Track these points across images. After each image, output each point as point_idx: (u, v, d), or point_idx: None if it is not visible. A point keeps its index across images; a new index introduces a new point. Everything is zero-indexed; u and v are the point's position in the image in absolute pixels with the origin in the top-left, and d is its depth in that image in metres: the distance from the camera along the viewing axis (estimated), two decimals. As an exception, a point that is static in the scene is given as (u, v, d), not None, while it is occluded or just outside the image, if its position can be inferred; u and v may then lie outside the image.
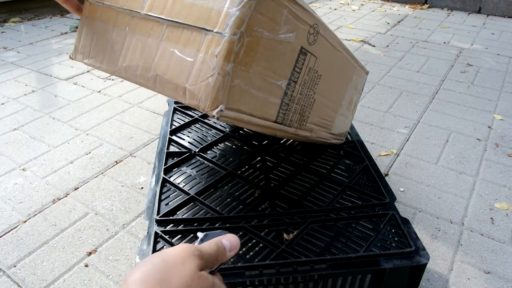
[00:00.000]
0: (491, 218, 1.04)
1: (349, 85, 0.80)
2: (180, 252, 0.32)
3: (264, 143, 0.92)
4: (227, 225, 0.67)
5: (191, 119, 1.01)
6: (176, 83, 0.51)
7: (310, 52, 0.60)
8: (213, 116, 0.47)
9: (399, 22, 2.80)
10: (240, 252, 0.62)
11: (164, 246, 0.63)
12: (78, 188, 1.15)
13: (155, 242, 0.63)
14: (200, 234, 0.38)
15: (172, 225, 0.67)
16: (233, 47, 0.47)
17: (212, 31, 0.47)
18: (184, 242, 0.60)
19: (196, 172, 0.81)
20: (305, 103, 0.66)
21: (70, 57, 0.64)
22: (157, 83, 0.53)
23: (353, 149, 0.90)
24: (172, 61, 0.51)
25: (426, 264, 0.61)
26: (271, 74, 0.54)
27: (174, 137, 0.93)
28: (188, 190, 0.76)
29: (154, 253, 0.33)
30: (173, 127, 0.97)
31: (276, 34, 0.51)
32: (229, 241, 0.37)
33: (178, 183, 0.78)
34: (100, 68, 0.61)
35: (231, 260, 0.60)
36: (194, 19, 0.49)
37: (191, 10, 0.49)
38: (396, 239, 0.66)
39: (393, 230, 0.67)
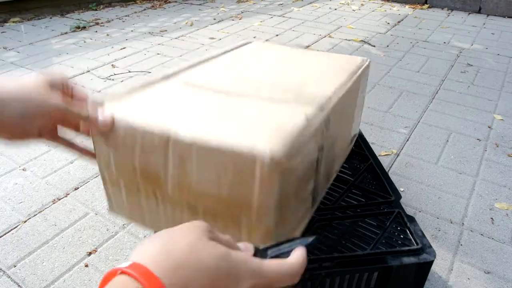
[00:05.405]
0: (491, 218, 1.04)
1: (358, 104, 0.78)
2: (186, 224, 0.30)
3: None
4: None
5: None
6: None
7: (325, 142, 0.57)
8: None
9: (399, 22, 2.80)
10: None
11: None
12: (78, 188, 1.15)
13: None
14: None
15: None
16: (273, 229, 0.47)
17: (248, 219, 0.47)
18: None
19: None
20: (328, 168, 0.65)
21: (108, 211, 0.61)
22: None
23: (357, 147, 0.90)
24: None
25: (432, 261, 0.62)
26: (301, 195, 0.53)
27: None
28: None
29: None
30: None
31: (300, 177, 0.50)
32: (243, 244, 0.35)
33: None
34: (145, 227, 0.60)
35: None
36: (226, 208, 0.47)
37: (219, 199, 0.47)
38: (402, 236, 0.66)
39: (399, 228, 0.68)
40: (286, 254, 0.36)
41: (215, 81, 0.61)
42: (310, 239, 0.39)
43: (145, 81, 0.59)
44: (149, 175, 0.50)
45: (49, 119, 0.43)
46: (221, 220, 0.48)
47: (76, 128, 0.51)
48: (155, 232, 0.59)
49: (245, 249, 0.34)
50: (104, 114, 0.47)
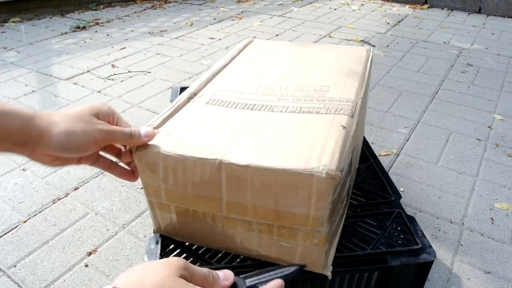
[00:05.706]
0: (491, 218, 1.04)
1: (366, 105, 0.79)
2: (166, 259, 0.33)
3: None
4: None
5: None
6: (284, 260, 0.54)
7: (354, 144, 0.58)
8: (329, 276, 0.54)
9: (399, 22, 2.80)
10: None
11: (172, 245, 0.62)
12: (78, 188, 1.15)
13: (163, 240, 0.63)
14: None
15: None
16: (327, 234, 0.50)
17: (304, 228, 0.49)
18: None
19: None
20: (355, 164, 0.66)
21: (154, 232, 0.62)
22: (265, 258, 0.56)
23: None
24: (273, 246, 0.53)
25: (432, 261, 0.62)
26: (342, 197, 0.55)
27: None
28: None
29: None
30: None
31: (342, 182, 0.52)
32: (223, 273, 0.38)
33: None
34: (195, 244, 0.61)
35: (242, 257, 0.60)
36: (282, 221, 0.49)
37: (275, 214, 0.49)
38: (402, 236, 0.66)
39: (399, 228, 0.68)
40: (264, 284, 0.37)
41: (238, 95, 0.62)
42: (291, 269, 0.39)
43: (171, 104, 0.59)
44: (202, 199, 0.51)
45: (94, 145, 0.44)
46: (276, 229, 0.51)
47: (117, 155, 0.52)
48: (204, 247, 0.61)
49: (225, 277, 0.37)
50: (146, 129, 0.49)
